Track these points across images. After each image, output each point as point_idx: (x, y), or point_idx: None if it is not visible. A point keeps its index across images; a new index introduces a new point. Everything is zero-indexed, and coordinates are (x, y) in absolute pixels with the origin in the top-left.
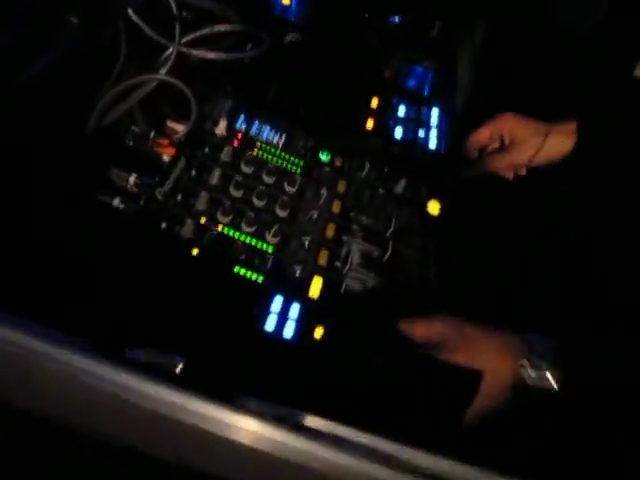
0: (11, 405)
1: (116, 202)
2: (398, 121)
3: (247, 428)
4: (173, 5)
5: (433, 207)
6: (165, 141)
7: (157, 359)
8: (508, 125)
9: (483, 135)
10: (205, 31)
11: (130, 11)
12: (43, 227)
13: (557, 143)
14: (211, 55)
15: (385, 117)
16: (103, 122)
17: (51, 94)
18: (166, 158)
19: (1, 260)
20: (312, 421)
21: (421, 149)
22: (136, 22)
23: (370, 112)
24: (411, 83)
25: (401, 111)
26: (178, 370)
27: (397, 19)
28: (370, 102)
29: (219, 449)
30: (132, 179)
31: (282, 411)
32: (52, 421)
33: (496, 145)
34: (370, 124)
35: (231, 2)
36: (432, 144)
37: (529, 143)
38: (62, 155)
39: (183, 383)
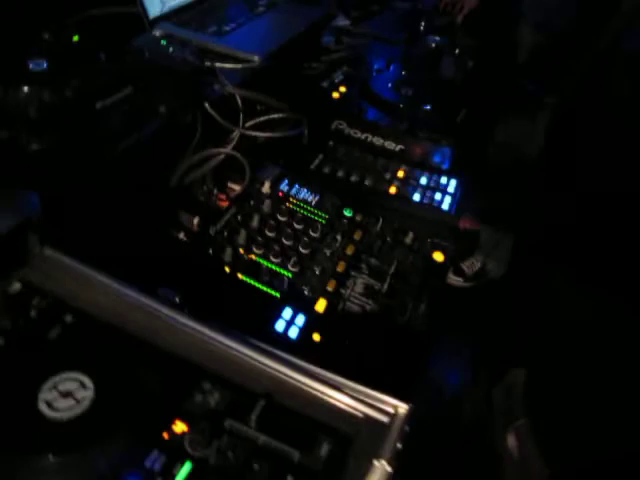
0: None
1: (181, 235)
2: (418, 187)
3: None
4: (239, 100)
5: (438, 256)
6: (224, 196)
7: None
8: None
9: None
10: (261, 118)
11: (206, 104)
12: (132, 244)
13: None
14: (265, 135)
15: (407, 184)
16: (185, 181)
17: (147, 159)
18: (223, 208)
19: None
20: None
21: (435, 210)
22: (210, 112)
23: (394, 180)
24: (436, 159)
25: (423, 180)
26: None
27: (429, 107)
28: (397, 173)
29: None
30: (195, 221)
31: None
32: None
33: None
34: (393, 189)
35: (282, 96)
36: (445, 206)
37: None
38: (152, 199)
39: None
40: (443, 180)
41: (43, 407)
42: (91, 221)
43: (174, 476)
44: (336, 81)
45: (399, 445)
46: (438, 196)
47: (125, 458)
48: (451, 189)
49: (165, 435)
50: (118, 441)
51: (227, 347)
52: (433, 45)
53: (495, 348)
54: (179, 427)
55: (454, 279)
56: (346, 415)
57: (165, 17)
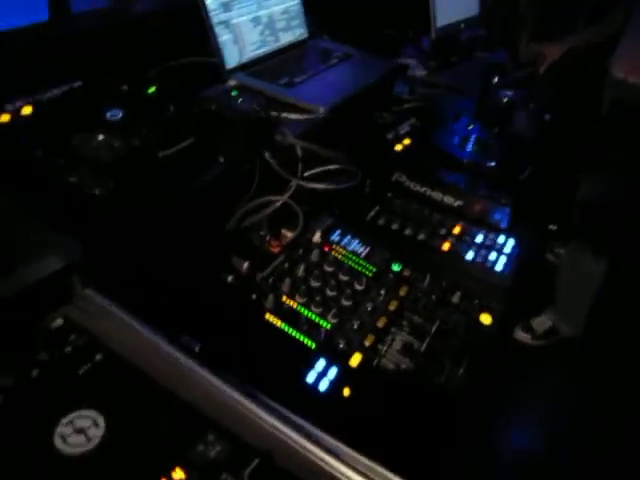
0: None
1: (230, 278)
2: (472, 245)
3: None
4: (299, 150)
5: (485, 318)
6: (276, 242)
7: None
8: None
9: None
10: (318, 169)
11: (266, 154)
12: (186, 282)
13: None
14: (319, 187)
15: (461, 241)
16: (242, 225)
17: (208, 204)
18: (275, 254)
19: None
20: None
21: (488, 270)
22: (270, 161)
23: (449, 236)
24: (495, 217)
25: (478, 238)
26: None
27: (494, 163)
28: (453, 229)
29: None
30: (245, 265)
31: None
32: None
33: None
34: (446, 246)
35: (344, 147)
36: (499, 267)
37: None
38: (208, 242)
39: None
40: (500, 239)
41: (58, 441)
42: (140, 263)
43: None
44: (401, 132)
45: None
46: (493, 256)
47: None
48: (507, 249)
49: None
50: None
51: (236, 401)
52: (505, 99)
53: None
54: (178, 474)
55: (522, 336)
56: None
57: (242, 67)
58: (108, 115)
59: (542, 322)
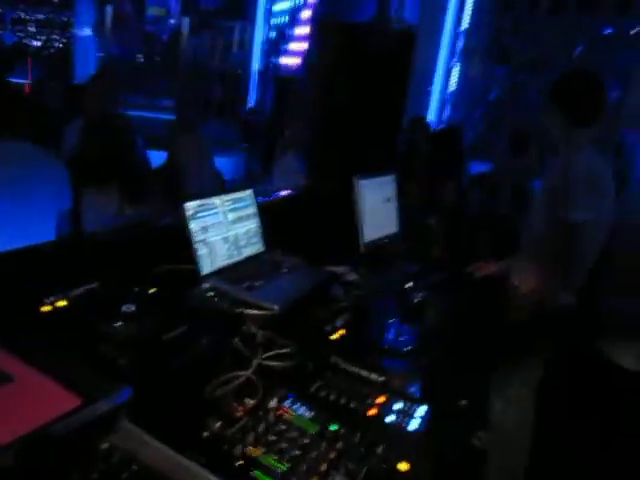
0: None
1: (206, 434)
2: (392, 412)
3: None
4: (259, 337)
5: (403, 465)
6: (241, 408)
7: None
8: None
9: None
10: (272, 352)
11: (236, 339)
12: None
13: None
14: (274, 365)
15: (384, 408)
16: (215, 393)
17: (195, 372)
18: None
19: None
20: None
21: (402, 429)
22: (237, 346)
23: (374, 404)
24: (412, 390)
25: (397, 406)
26: None
27: (409, 348)
28: (378, 399)
29: None
30: (217, 425)
31: None
32: None
33: None
34: (373, 411)
35: (293, 335)
36: (412, 427)
37: None
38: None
39: None
40: (414, 407)
41: None
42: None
43: None
44: (337, 325)
45: None
46: (407, 419)
47: None
48: (420, 414)
49: None
50: None
51: None
52: (415, 300)
53: None
54: None
55: None
56: None
57: (212, 274)
58: (124, 309)
59: None
